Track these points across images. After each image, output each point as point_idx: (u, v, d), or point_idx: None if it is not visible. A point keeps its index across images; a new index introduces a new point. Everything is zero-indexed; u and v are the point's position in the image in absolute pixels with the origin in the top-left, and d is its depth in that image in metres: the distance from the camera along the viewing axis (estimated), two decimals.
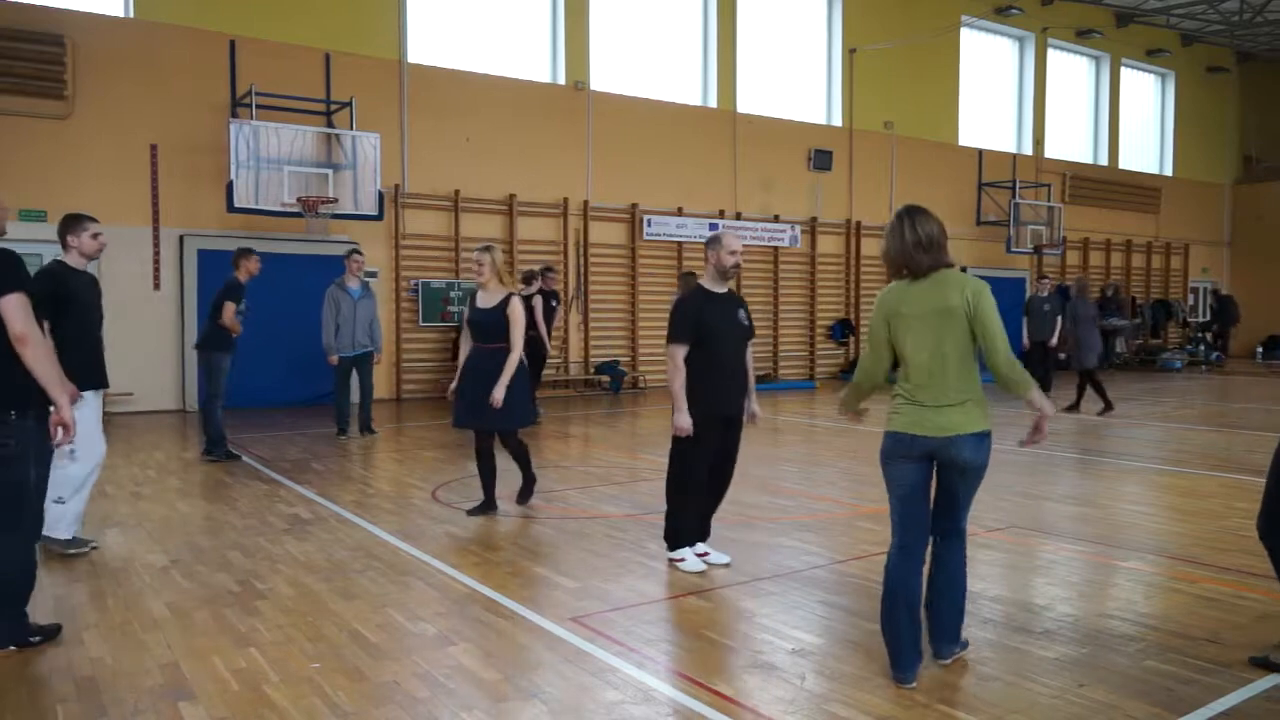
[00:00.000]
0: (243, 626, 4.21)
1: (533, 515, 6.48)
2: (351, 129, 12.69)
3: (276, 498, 7.06)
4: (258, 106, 12.05)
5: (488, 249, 6.27)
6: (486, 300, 6.21)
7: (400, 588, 4.82)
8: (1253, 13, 21.31)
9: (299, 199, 12.03)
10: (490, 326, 6.16)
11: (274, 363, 12.86)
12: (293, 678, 3.64)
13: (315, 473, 8.10)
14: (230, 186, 11.72)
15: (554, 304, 11.86)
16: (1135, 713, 3.32)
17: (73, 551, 5.34)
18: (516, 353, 6.16)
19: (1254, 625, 4.24)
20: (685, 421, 4.93)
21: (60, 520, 5.27)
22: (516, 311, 6.15)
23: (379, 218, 12.93)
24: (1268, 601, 4.57)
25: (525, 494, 6.72)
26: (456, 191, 14.30)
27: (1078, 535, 5.92)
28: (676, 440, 5.07)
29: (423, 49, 14.28)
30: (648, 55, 16.55)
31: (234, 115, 12.22)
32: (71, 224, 5.33)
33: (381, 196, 12.80)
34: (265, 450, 9.24)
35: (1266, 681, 3.56)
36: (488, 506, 6.42)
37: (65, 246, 5.33)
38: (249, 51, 12.58)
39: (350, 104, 12.74)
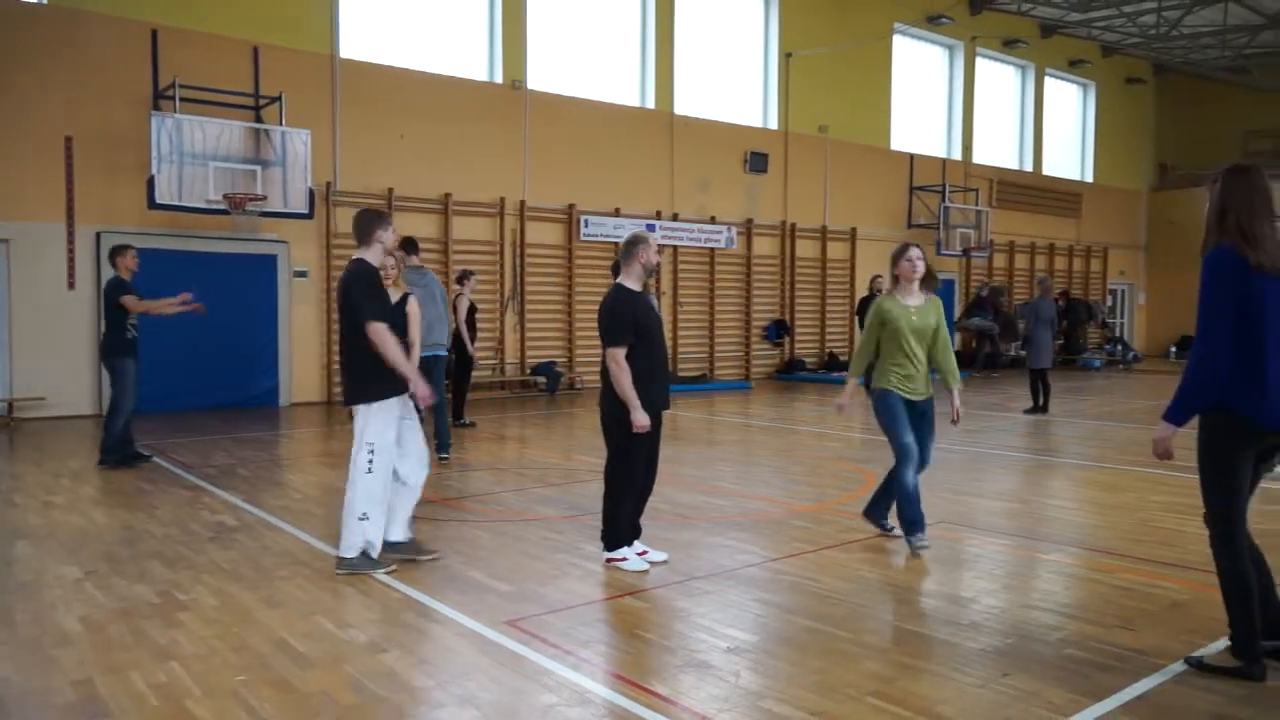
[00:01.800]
0: (163, 639, 4.07)
1: (467, 519, 6.41)
2: (281, 124, 12.39)
3: (200, 504, 6.84)
4: (181, 99, 11.68)
5: (390, 254, 6.74)
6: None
7: (330, 594, 4.71)
8: (1168, 26, 22.15)
9: (225, 196, 11.70)
10: (392, 324, 6.51)
11: (199, 364, 12.49)
12: (216, 691, 3.53)
13: (242, 478, 7.88)
14: (151, 182, 11.34)
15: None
16: (1056, 699, 3.42)
17: (382, 572, 5.03)
18: (418, 348, 6.87)
19: (1166, 613, 4.40)
20: (644, 418, 4.94)
21: (359, 537, 5.00)
22: (415, 309, 6.85)
23: (309, 216, 12.65)
24: (1178, 590, 4.76)
25: None
26: (390, 190, 14.07)
27: (1004, 530, 6.09)
28: (618, 439, 5.08)
29: (355, 44, 14.01)
30: (585, 55, 16.50)
31: (156, 108, 11.83)
32: (379, 221, 5.18)
33: (312, 194, 12.53)
34: (188, 455, 8.96)
35: (1178, 666, 3.70)
36: None
37: (369, 242, 5.13)
38: (172, 42, 12.19)
39: (280, 99, 12.43)
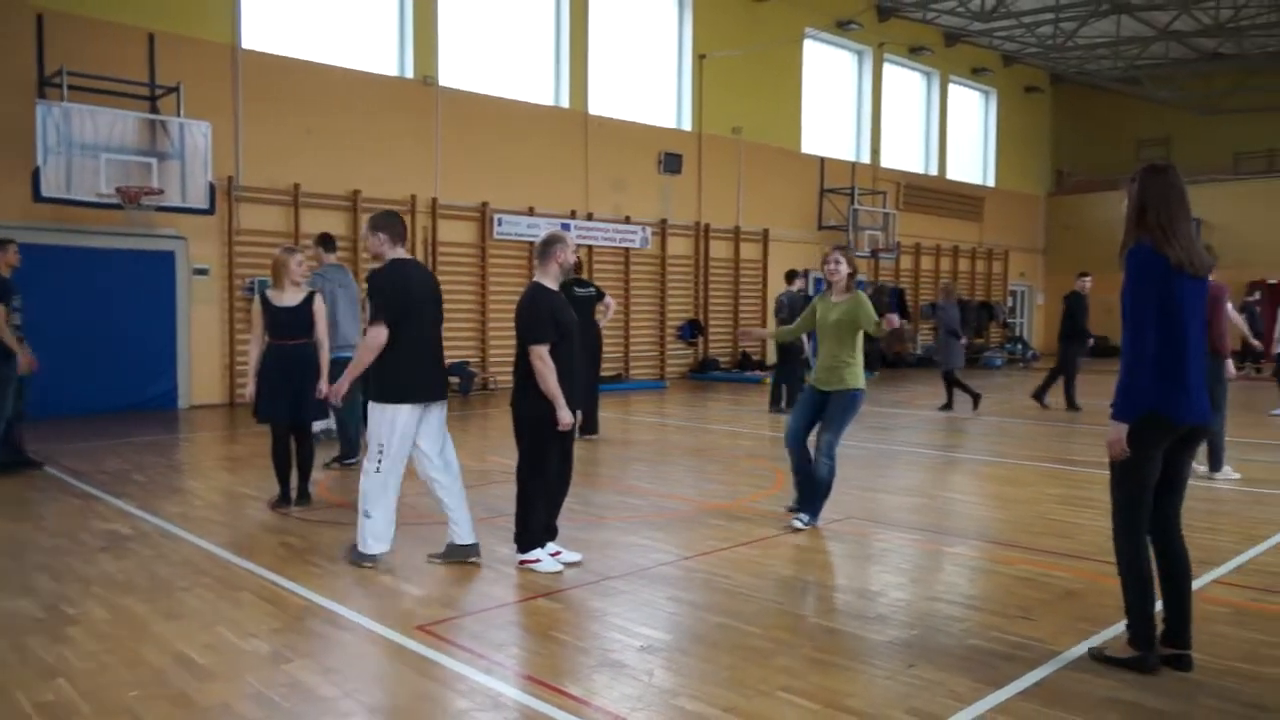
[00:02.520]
0: (49, 656, 3.86)
1: None
2: (179, 116, 11.90)
3: (91, 513, 6.52)
4: (70, 88, 11.10)
5: (293, 251, 6.68)
6: (289, 299, 6.56)
7: (231, 604, 4.55)
8: (1065, 37, 23.14)
9: (118, 189, 11.17)
10: (300, 322, 6.57)
11: (91, 366, 11.90)
12: (108, 708, 3.37)
13: (137, 484, 7.54)
14: (37, 174, 10.75)
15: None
16: (959, 688, 3.52)
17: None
18: (326, 347, 6.69)
19: (1061, 601, 4.59)
20: (569, 416, 4.96)
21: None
22: (321, 308, 6.67)
23: (210, 212, 12.18)
24: (1072, 579, 4.96)
25: (304, 495, 6.73)
26: (296, 186, 13.66)
27: (910, 524, 6.25)
28: (531, 440, 5.05)
29: (259, 34, 13.56)
30: (499, 52, 16.33)
31: (42, 96, 11.23)
32: (402, 225, 5.29)
33: (213, 189, 12.07)
34: (79, 462, 8.53)
35: (1073, 653, 3.86)
36: (285, 499, 6.64)
37: (405, 240, 5.26)
38: (59, 27, 11.58)
39: (177, 89, 11.94)
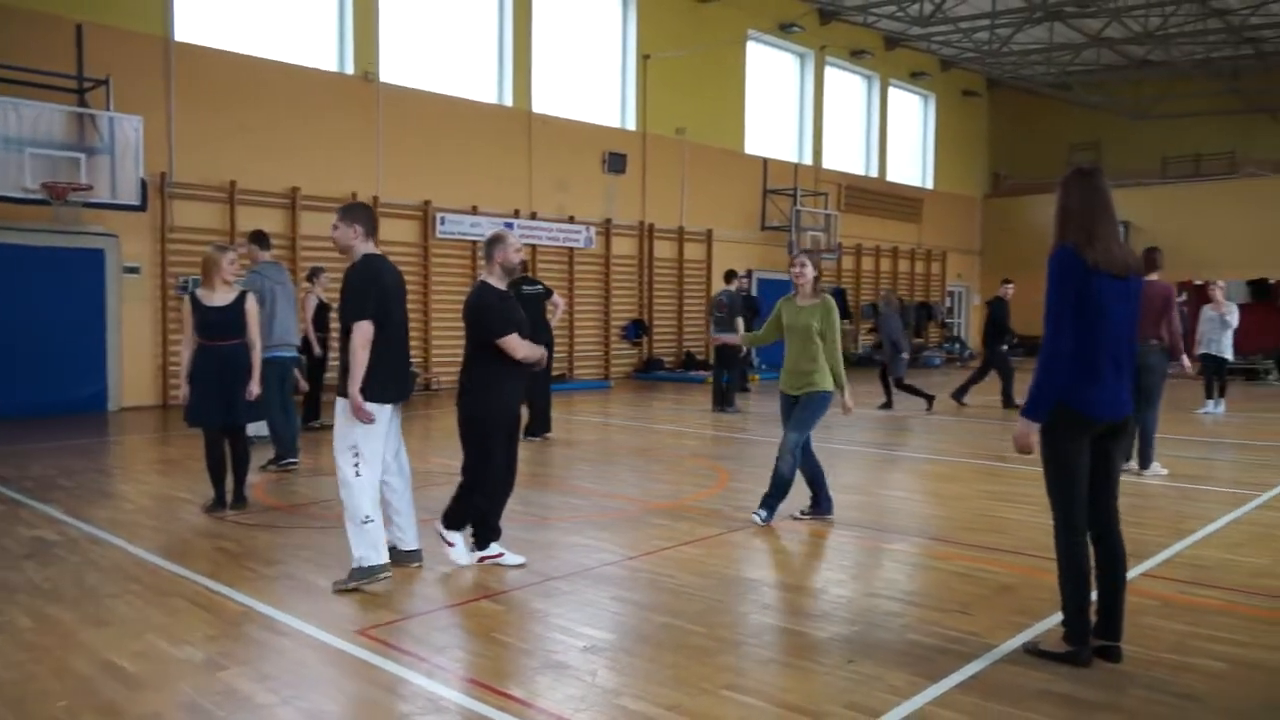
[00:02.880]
0: None
1: (315, 525, 6.16)
2: (108, 109, 11.54)
3: (16, 519, 6.28)
4: None
5: (224, 249, 6.55)
6: (220, 298, 6.41)
7: (163, 611, 4.42)
8: (1000, 43, 23.70)
9: (44, 185, 10.80)
10: (231, 323, 6.42)
11: (17, 368, 11.49)
12: None
13: (64, 489, 7.29)
14: None
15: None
16: (897, 682, 3.58)
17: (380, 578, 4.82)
18: (259, 348, 6.52)
19: (996, 595, 4.69)
20: (542, 354, 5.24)
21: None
22: (253, 308, 6.52)
23: (141, 208, 11.84)
24: (1007, 574, 5.08)
25: (240, 499, 6.58)
26: (233, 183, 13.35)
27: (851, 522, 6.34)
28: (477, 439, 5.06)
29: (192, 26, 13.21)
30: (441, 49, 16.16)
31: None
32: (375, 219, 5.22)
33: (144, 185, 11.73)
34: (3, 467, 8.21)
35: (1008, 646, 3.95)
36: (220, 503, 6.47)
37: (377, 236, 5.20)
38: None
39: (107, 82, 11.58)
